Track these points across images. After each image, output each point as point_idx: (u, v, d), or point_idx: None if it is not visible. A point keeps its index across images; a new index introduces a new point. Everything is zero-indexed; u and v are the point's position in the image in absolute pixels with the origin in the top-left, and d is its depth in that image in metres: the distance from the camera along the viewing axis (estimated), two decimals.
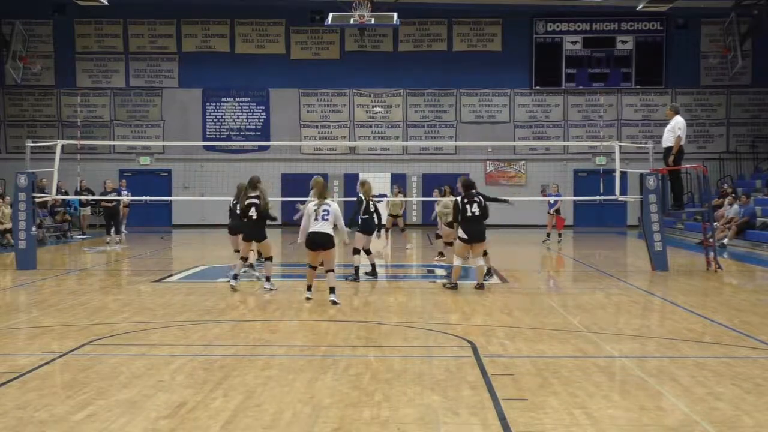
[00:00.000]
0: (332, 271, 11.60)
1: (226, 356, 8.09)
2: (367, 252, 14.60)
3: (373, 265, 14.61)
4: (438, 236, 18.00)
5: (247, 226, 12.98)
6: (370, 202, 14.53)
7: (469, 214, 12.72)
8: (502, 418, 5.94)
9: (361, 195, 14.59)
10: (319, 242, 11.44)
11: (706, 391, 6.71)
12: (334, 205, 11.64)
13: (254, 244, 13.43)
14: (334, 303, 11.24)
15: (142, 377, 7.15)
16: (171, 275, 15.40)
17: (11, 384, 6.91)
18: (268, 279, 12.96)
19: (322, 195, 11.67)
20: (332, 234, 11.50)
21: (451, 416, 6.04)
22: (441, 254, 17.59)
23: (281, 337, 9.21)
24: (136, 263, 18.22)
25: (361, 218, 14.47)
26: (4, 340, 8.95)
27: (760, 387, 6.86)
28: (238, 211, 13.44)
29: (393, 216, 22.18)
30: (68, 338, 8.92)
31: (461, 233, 12.80)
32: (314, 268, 11.76)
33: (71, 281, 14.67)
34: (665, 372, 7.41)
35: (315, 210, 11.48)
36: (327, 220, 11.44)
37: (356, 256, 14.31)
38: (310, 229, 11.46)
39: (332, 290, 11.42)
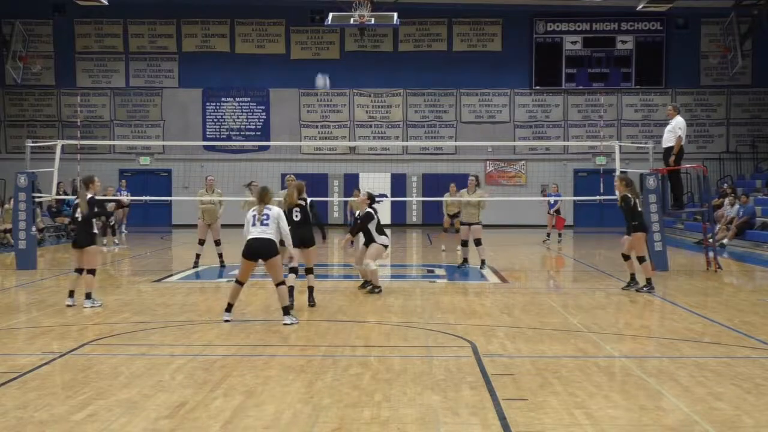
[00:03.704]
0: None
1: (226, 356, 8.09)
2: (293, 270, 11.37)
3: (291, 288, 10.93)
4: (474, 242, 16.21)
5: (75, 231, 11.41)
6: (293, 211, 11.50)
7: None
8: (502, 418, 5.94)
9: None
10: (262, 250, 9.83)
11: (706, 391, 6.70)
12: (275, 209, 10.09)
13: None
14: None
15: (142, 377, 7.15)
16: (171, 275, 15.39)
17: (11, 384, 6.91)
18: (89, 296, 11.11)
19: (263, 200, 10.07)
20: (275, 240, 9.93)
21: (451, 416, 6.04)
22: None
23: (281, 337, 9.21)
24: (136, 263, 18.21)
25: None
26: (4, 340, 8.95)
27: (760, 387, 6.86)
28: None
29: (451, 216, 19.59)
30: (68, 338, 8.93)
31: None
32: (242, 284, 10.05)
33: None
34: (665, 372, 7.41)
35: (254, 215, 9.95)
36: (267, 225, 9.88)
37: (291, 275, 11.20)
38: (249, 236, 9.88)
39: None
